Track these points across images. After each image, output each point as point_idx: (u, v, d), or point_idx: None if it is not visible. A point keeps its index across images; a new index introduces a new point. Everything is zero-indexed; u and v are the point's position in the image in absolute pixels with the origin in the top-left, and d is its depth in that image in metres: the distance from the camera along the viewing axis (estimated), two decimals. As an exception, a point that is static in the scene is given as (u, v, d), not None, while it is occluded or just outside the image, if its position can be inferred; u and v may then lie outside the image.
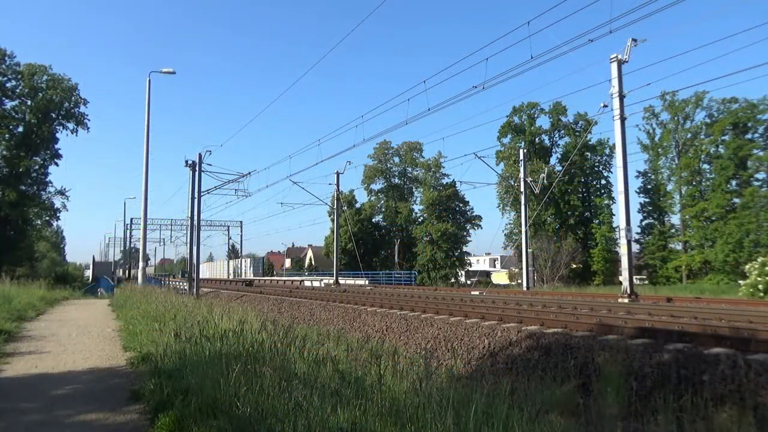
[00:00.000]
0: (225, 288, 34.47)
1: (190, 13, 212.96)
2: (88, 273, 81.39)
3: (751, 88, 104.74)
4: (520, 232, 34.12)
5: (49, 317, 17.06)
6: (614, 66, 19.50)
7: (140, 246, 33.65)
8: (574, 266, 45.31)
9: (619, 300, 17.50)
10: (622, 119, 19.55)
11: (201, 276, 32.85)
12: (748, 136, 40.95)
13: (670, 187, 45.67)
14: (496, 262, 73.89)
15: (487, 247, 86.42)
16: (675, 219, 46.19)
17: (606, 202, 49.11)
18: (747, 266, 23.78)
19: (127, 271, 65.37)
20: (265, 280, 52.81)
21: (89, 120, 45.43)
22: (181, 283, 34.04)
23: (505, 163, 48.12)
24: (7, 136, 41.40)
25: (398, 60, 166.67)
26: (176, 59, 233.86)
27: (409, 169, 62.15)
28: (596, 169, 50.94)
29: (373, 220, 61.75)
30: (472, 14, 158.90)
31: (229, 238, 76.63)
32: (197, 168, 28.19)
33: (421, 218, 57.58)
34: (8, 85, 41.83)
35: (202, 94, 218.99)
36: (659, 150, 45.84)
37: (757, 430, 4.99)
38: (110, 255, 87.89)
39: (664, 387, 6.32)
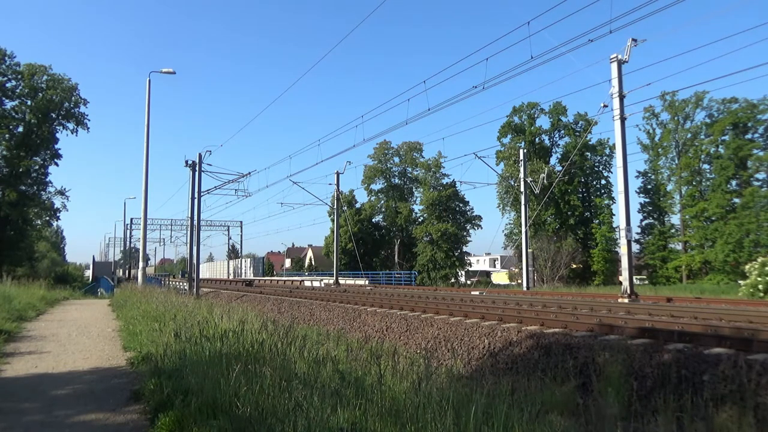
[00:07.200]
0: (225, 288, 34.46)
1: (189, 13, 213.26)
2: (88, 273, 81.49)
3: (751, 88, 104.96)
4: (520, 232, 34.14)
5: (49, 317, 17.04)
6: (614, 66, 19.51)
7: (140, 246, 33.63)
8: (574, 266, 45.29)
9: (619, 300, 17.49)
10: (622, 119, 19.55)
11: (201, 276, 32.88)
12: (748, 136, 41.00)
13: (670, 187, 45.72)
14: (496, 262, 73.91)
15: (487, 247, 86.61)
16: (675, 219, 46.31)
17: (606, 202, 49.08)
18: (747, 266, 23.78)
19: (127, 271, 65.40)
20: (265, 280, 52.80)
21: (89, 120, 45.47)
22: (181, 283, 34.03)
23: (505, 163, 48.08)
24: (7, 136, 41.35)
25: (398, 60, 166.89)
26: (176, 59, 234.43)
27: (409, 169, 62.09)
28: (596, 169, 50.91)
29: (373, 220, 61.72)
30: (472, 14, 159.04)
31: (229, 238, 76.75)
32: (197, 168, 28.23)
33: (421, 218, 57.55)
34: (8, 85, 41.79)
35: (202, 94, 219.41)
36: (659, 150, 45.86)
37: (757, 431, 4.98)
38: (110, 255, 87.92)
39: (664, 387, 6.31)
